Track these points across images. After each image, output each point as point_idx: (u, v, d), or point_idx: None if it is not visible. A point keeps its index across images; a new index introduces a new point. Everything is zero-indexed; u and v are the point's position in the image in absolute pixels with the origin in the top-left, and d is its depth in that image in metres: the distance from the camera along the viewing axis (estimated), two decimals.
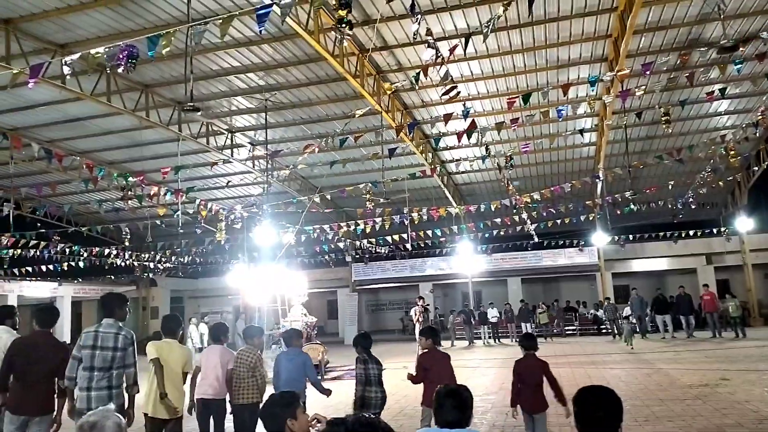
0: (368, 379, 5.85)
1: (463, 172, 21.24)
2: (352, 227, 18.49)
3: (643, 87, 11.73)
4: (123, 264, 23.40)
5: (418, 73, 7.09)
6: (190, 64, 8.07)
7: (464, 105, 8.56)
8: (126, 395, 4.96)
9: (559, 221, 20.01)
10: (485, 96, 14.82)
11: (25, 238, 16.67)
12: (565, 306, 24.97)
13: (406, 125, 12.32)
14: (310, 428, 3.03)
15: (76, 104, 13.97)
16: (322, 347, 14.22)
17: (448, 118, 9.09)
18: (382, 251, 24.99)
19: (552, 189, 16.03)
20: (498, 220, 19.26)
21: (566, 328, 23.18)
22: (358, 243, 23.40)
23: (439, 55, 6.49)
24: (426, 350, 6.11)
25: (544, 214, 19.11)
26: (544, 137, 16.54)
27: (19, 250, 17.24)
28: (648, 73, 10.53)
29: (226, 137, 16.53)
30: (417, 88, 12.14)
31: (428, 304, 17.81)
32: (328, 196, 15.67)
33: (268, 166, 16.99)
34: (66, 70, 6.35)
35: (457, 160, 16.58)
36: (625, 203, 18.66)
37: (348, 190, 14.94)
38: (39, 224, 19.17)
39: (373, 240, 21.48)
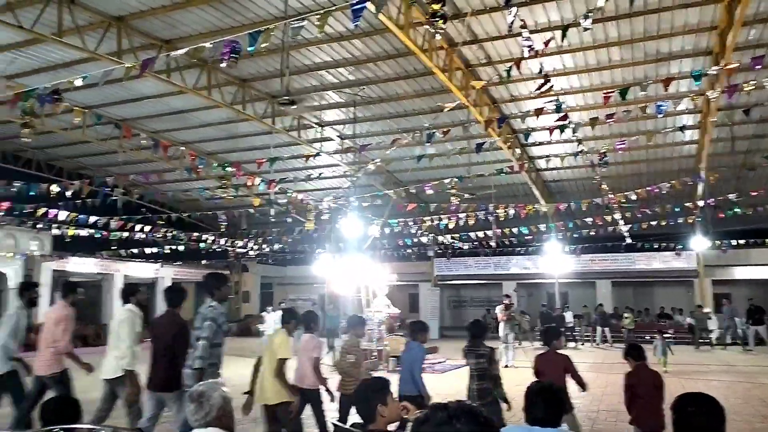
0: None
1: (552, 169, 20.62)
2: (436, 222, 18.47)
3: (753, 82, 10.88)
4: (218, 249, 24.62)
5: (510, 67, 6.97)
6: (286, 59, 8.36)
7: (558, 99, 8.32)
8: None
9: (654, 223, 18.97)
10: (579, 90, 14.33)
11: (132, 222, 17.92)
12: (658, 313, 23.72)
13: (495, 120, 12.12)
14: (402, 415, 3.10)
15: (179, 97, 14.85)
16: (405, 339, 14.33)
17: (539, 112, 8.87)
18: (465, 247, 24.76)
19: (648, 189, 15.23)
20: (589, 219, 18.53)
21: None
22: (441, 238, 23.33)
23: (532, 47, 6.35)
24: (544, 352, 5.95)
25: (639, 215, 18.19)
26: (642, 134, 15.72)
27: (126, 233, 18.57)
28: (758, 67, 9.77)
29: (316, 131, 17.01)
30: (509, 81, 11.93)
31: (512, 304, 17.49)
32: (413, 190, 15.71)
33: (355, 160, 17.31)
34: (171, 64, 6.78)
35: (546, 156, 16.09)
36: (729, 206, 17.40)
37: (433, 185, 14.93)
38: (144, 209, 20.62)
39: (457, 236, 21.33)
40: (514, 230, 19.27)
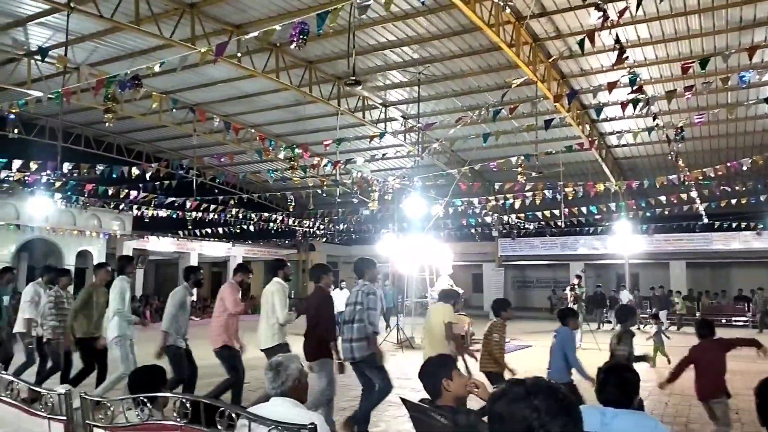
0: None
1: (624, 146, 19.87)
2: (501, 201, 18.21)
3: None
4: (286, 229, 25.29)
5: (583, 39, 6.74)
6: (352, 38, 8.42)
7: (633, 71, 7.99)
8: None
9: (734, 201, 17.96)
10: (654, 62, 13.67)
11: (205, 203, 18.66)
12: (736, 295, 22.57)
13: (565, 95, 11.77)
14: (469, 391, 3.13)
15: (248, 81, 15.22)
16: (468, 319, 14.34)
17: (612, 86, 8.55)
18: (531, 227, 24.30)
19: (728, 165, 14.42)
20: (662, 197, 17.77)
21: (735, 318, 21.14)
22: (506, 218, 22.99)
23: (607, 18, 6.12)
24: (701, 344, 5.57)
25: (717, 192, 17.27)
26: (722, 107, 14.87)
27: (199, 214, 19.37)
28: None
29: (380, 111, 17.06)
30: (582, 54, 11.54)
31: (574, 285, 17.07)
32: (477, 168, 15.53)
33: (419, 139, 17.28)
34: (242, 48, 6.96)
35: (618, 132, 15.51)
36: None
37: (499, 163, 14.72)
38: (216, 191, 21.40)
39: (522, 215, 20.97)
40: (583, 209, 18.73)
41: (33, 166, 12.26)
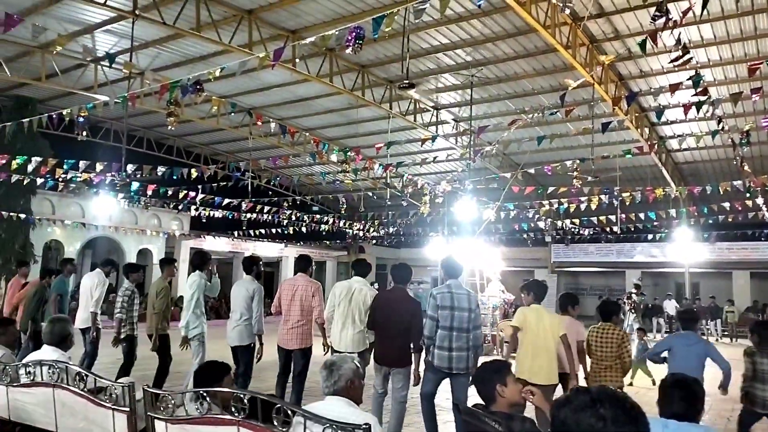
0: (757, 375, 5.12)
1: (685, 150, 19.13)
2: (554, 206, 17.84)
3: None
4: (337, 230, 25.56)
5: (644, 40, 6.54)
6: (406, 42, 8.46)
7: (697, 72, 7.69)
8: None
9: None
10: (718, 63, 13.15)
11: (260, 204, 19.08)
12: None
13: (624, 97, 11.45)
14: (524, 398, 3.10)
15: (303, 85, 15.49)
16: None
17: (674, 88, 8.26)
18: (586, 233, 23.70)
19: None
20: (726, 204, 17.01)
21: None
22: (559, 223, 22.51)
23: (670, 18, 5.92)
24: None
25: None
26: None
27: (254, 215, 19.81)
28: None
29: (432, 114, 17.04)
30: (640, 56, 11.22)
31: (631, 293, 16.53)
32: (532, 171, 15.27)
33: (471, 143, 17.14)
34: (297, 53, 7.08)
35: (679, 136, 14.94)
36: None
37: (552, 167, 14.43)
38: (270, 192, 21.86)
39: (576, 220, 20.48)
40: (641, 215, 18.14)
41: (99, 167, 12.81)
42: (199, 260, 7.14)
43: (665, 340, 5.63)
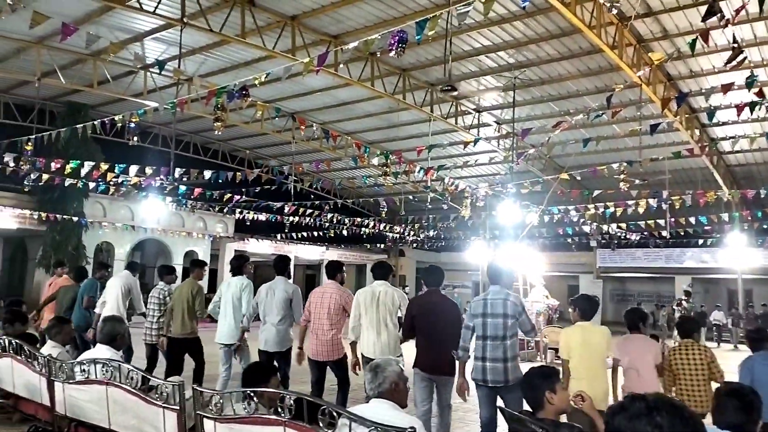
0: None
1: (738, 152, 18.46)
2: (600, 210, 17.45)
3: None
4: (377, 234, 25.64)
5: (694, 40, 6.34)
6: (449, 45, 8.42)
7: (752, 72, 7.41)
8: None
9: None
10: None
11: (302, 208, 19.31)
12: None
13: (674, 98, 11.13)
14: (574, 405, 3.04)
15: (344, 89, 15.62)
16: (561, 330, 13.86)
17: (727, 88, 7.97)
18: (633, 238, 23.07)
19: None
20: None
21: None
22: (605, 227, 22.00)
23: (722, 16, 5.72)
24: None
25: None
26: None
27: (296, 218, 20.06)
28: None
29: (473, 117, 16.92)
30: (690, 55, 10.88)
31: (682, 300, 16.02)
32: (578, 177, 15.00)
33: (513, 145, 16.94)
34: (340, 58, 7.14)
35: (732, 138, 14.42)
36: None
37: (598, 170, 14.13)
38: (312, 196, 22.10)
39: (623, 225, 20.00)
40: (691, 219, 17.57)
41: (148, 171, 13.18)
42: (240, 263, 7.07)
43: (744, 370, 4.57)
